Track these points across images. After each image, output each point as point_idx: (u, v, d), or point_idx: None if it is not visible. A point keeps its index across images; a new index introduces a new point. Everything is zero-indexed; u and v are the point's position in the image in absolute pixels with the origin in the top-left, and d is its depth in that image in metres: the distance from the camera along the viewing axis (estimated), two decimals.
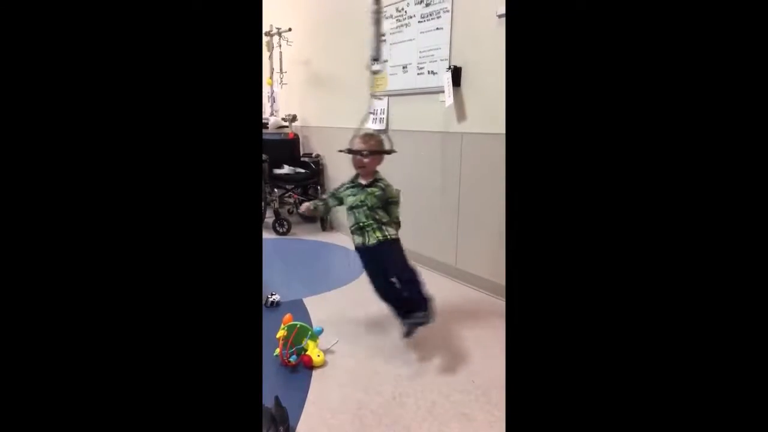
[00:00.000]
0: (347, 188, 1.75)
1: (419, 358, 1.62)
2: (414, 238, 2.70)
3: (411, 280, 1.63)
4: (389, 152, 1.72)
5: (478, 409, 1.34)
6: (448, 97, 2.26)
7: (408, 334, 1.66)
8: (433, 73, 2.43)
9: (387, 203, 1.70)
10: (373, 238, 1.66)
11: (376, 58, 1.90)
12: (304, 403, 1.34)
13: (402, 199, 2.28)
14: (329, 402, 1.36)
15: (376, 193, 1.67)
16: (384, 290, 1.73)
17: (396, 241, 1.70)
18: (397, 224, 1.75)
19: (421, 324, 1.63)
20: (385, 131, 2.81)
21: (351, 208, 1.70)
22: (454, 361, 1.61)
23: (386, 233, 1.67)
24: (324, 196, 1.78)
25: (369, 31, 1.88)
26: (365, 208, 1.67)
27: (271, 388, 1.37)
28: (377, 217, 1.67)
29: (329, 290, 2.24)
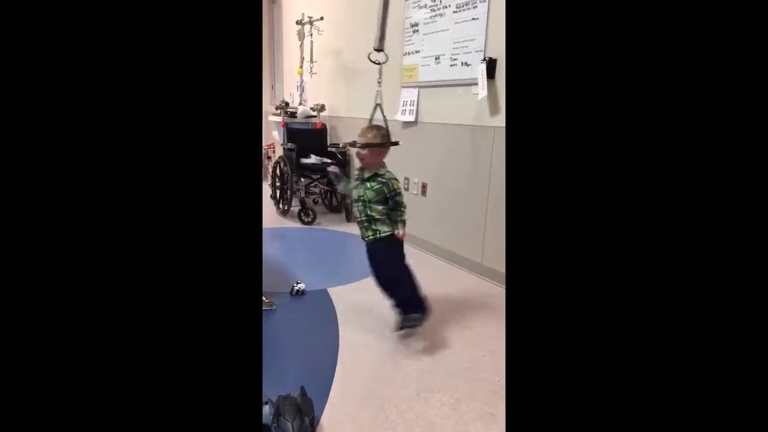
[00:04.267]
0: (354, 180, 1.77)
1: (444, 355, 1.60)
2: (440, 232, 2.68)
3: (399, 281, 1.68)
4: (383, 145, 1.67)
5: (504, 410, 1.31)
6: (482, 90, 2.21)
7: (400, 328, 1.71)
8: (466, 64, 2.38)
9: (390, 197, 1.67)
10: (365, 236, 1.69)
11: (379, 49, 1.84)
12: (328, 395, 1.35)
13: (430, 193, 2.24)
14: (354, 394, 1.36)
15: (375, 187, 1.66)
16: (380, 284, 1.74)
17: (386, 240, 1.67)
18: (398, 221, 1.69)
19: (413, 326, 1.69)
20: (414, 123, 2.78)
21: (354, 201, 1.74)
22: (480, 359, 1.59)
23: (377, 231, 1.66)
24: (349, 185, 1.80)
25: (377, 20, 1.81)
26: (361, 203, 1.68)
27: (297, 377, 1.38)
28: (370, 213, 1.67)
29: (354, 281, 2.24)
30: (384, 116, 1.83)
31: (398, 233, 1.67)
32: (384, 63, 1.86)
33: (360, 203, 1.69)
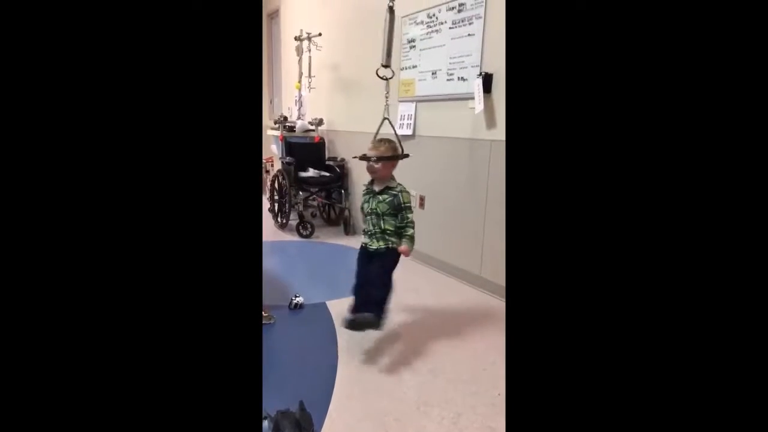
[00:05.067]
0: (363, 194, 1.78)
1: (444, 368, 1.60)
2: (439, 245, 2.68)
3: (382, 291, 1.68)
4: (397, 157, 1.71)
5: (503, 423, 1.30)
6: (479, 104, 2.23)
7: (349, 324, 1.64)
8: (463, 79, 2.41)
9: (399, 209, 1.69)
10: (375, 245, 1.70)
11: (386, 65, 1.91)
12: (327, 409, 1.34)
13: (428, 206, 2.24)
14: (353, 408, 1.35)
15: (387, 200, 1.68)
16: (359, 286, 1.75)
17: (395, 251, 1.69)
18: (408, 235, 1.68)
19: (362, 323, 1.63)
20: (411, 137, 2.81)
21: (365, 215, 1.75)
22: (479, 372, 1.58)
23: (390, 242, 1.69)
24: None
25: (383, 36, 1.88)
26: (374, 216, 1.69)
27: (296, 392, 1.37)
28: (384, 226, 1.69)
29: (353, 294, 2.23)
30: (395, 130, 1.87)
31: (402, 249, 1.67)
32: (390, 78, 1.92)
33: (373, 216, 1.70)
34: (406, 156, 1.76)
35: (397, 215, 1.69)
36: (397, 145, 1.74)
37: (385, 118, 1.85)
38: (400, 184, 1.73)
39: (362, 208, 1.78)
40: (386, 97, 1.91)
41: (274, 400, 1.21)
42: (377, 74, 1.90)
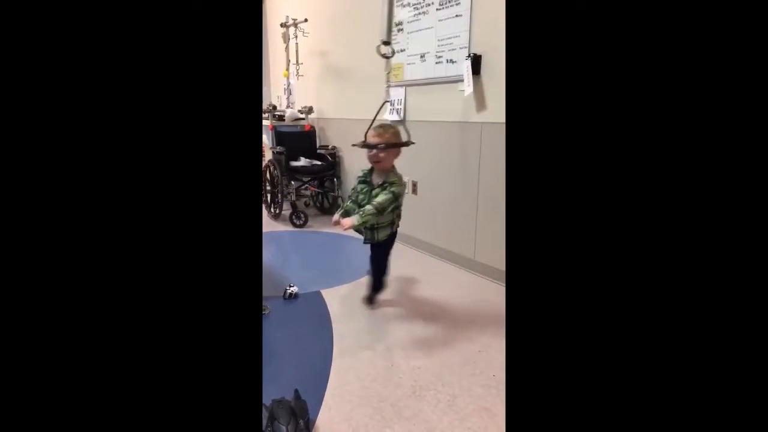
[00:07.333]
0: (359, 181, 1.69)
1: (439, 352, 1.60)
2: (432, 230, 2.68)
3: (377, 274, 1.83)
4: (406, 144, 1.64)
5: (500, 404, 1.31)
6: (468, 86, 2.21)
7: (370, 302, 1.92)
8: (451, 61, 2.38)
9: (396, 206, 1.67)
10: (383, 235, 1.69)
11: (387, 42, 1.78)
12: (323, 396, 1.34)
13: (420, 191, 2.24)
14: (349, 395, 1.35)
15: (395, 191, 1.63)
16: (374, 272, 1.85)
17: (387, 238, 1.72)
18: (368, 211, 1.61)
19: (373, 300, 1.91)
20: (402, 122, 2.78)
21: (359, 206, 1.67)
22: (474, 354, 1.59)
23: (394, 228, 1.71)
24: (346, 206, 1.71)
25: (382, 13, 1.83)
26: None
27: (291, 381, 1.37)
28: (379, 221, 1.65)
29: (347, 282, 2.23)
30: (403, 116, 1.84)
31: (345, 220, 1.55)
32: (391, 57, 1.79)
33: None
34: (412, 143, 1.66)
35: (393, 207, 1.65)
36: (400, 131, 1.63)
37: (385, 102, 1.74)
38: (400, 176, 1.65)
39: (354, 198, 1.70)
40: (388, 79, 1.78)
41: (269, 390, 1.21)
42: (378, 52, 1.76)
